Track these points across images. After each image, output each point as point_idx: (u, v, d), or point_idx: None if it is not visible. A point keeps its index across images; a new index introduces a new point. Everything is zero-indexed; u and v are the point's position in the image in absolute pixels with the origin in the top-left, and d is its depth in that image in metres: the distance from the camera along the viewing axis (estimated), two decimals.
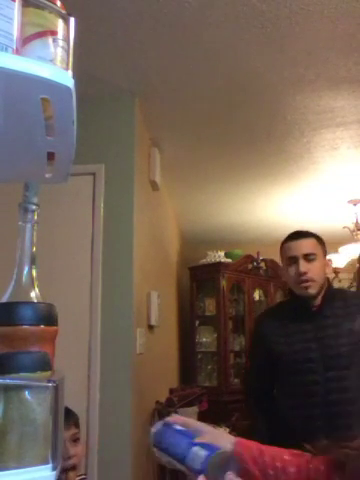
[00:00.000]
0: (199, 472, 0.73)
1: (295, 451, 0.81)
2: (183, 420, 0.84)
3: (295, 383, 1.74)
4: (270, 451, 0.81)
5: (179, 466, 0.78)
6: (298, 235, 1.84)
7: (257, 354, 1.96)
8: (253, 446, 0.81)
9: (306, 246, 1.80)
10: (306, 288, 1.76)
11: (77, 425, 1.38)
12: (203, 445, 0.77)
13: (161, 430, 0.83)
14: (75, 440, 1.33)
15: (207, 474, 0.72)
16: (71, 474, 1.26)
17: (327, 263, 1.87)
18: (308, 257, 1.78)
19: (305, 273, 1.76)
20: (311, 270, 1.76)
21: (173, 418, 0.86)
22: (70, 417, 1.34)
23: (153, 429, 0.86)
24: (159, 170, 3.07)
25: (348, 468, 0.69)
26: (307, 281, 1.76)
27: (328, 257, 1.90)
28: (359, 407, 1.66)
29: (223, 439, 0.82)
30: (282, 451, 0.81)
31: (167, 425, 0.83)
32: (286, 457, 0.78)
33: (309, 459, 0.77)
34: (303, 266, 1.76)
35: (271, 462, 0.78)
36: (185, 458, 0.76)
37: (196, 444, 0.77)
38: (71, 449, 1.29)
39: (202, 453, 0.75)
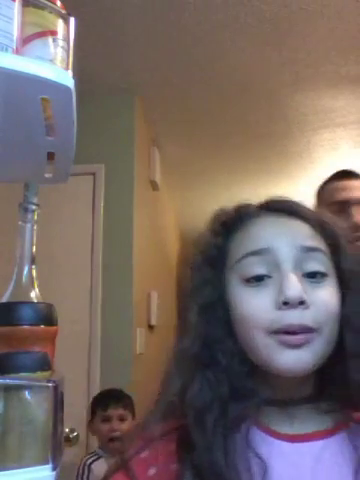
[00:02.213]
0: None
1: None
2: None
3: None
4: None
5: None
6: (349, 174, 1.31)
7: None
8: None
9: None
10: None
11: (126, 407, 1.79)
12: None
13: None
14: (121, 419, 1.77)
15: None
16: (117, 444, 1.70)
17: None
18: None
19: None
20: None
21: None
22: (120, 399, 1.81)
23: None
24: (159, 170, 3.07)
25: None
26: None
27: None
28: None
29: None
30: None
31: None
32: None
33: None
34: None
35: None
36: None
37: None
38: (116, 425, 1.75)
39: None
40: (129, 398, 1.88)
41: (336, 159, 3.40)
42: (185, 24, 2.00)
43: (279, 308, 0.52)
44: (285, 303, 0.51)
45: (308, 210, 0.60)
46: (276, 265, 0.54)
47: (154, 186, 3.08)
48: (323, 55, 2.23)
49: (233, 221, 0.61)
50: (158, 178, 3.05)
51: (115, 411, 1.79)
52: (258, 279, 0.54)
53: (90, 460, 1.77)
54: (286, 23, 1.99)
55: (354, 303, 0.56)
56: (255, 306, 0.53)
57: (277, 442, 0.54)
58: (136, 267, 2.42)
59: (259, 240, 0.56)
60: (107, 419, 1.80)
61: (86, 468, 1.74)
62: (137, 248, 2.47)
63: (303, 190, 4.21)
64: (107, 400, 1.83)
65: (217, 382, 0.54)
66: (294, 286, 0.51)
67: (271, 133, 3.01)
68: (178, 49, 2.18)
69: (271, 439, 0.55)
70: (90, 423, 1.88)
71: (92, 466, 1.74)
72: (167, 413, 0.56)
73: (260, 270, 0.54)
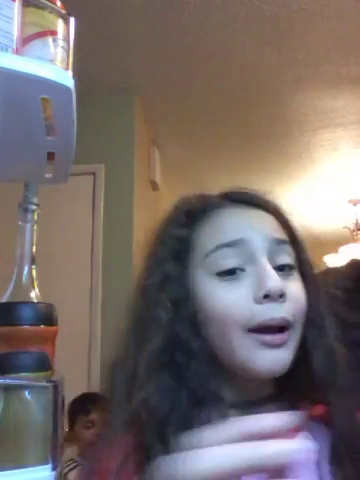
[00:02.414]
0: None
1: None
2: None
3: None
4: None
5: None
6: None
7: None
8: None
9: None
10: None
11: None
12: None
13: None
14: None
15: None
16: None
17: None
18: None
19: None
20: None
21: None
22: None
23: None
24: (159, 170, 3.07)
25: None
26: None
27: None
28: None
29: None
30: None
31: None
32: None
33: None
34: None
35: None
36: None
37: None
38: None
39: None
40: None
41: (336, 159, 3.40)
42: (185, 24, 2.00)
43: (259, 302, 0.48)
44: (266, 296, 0.47)
45: (269, 202, 0.58)
46: (250, 257, 0.50)
47: (154, 186, 3.08)
48: (323, 55, 2.23)
49: (197, 211, 0.57)
50: (158, 178, 3.05)
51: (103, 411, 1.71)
52: (231, 272, 0.50)
53: (66, 469, 1.58)
54: (286, 23, 1.99)
55: (314, 296, 0.53)
56: (232, 301, 0.49)
57: None
58: (136, 267, 2.42)
59: (231, 231, 0.52)
60: (91, 424, 1.69)
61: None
62: (137, 248, 2.47)
63: (303, 190, 4.24)
64: (88, 405, 1.72)
65: (180, 387, 0.48)
66: (274, 278, 0.48)
67: (271, 133, 3.02)
68: (178, 49, 2.18)
69: None
70: (70, 432, 1.70)
71: (68, 475, 1.56)
72: (127, 424, 0.50)
73: (234, 262, 0.50)
